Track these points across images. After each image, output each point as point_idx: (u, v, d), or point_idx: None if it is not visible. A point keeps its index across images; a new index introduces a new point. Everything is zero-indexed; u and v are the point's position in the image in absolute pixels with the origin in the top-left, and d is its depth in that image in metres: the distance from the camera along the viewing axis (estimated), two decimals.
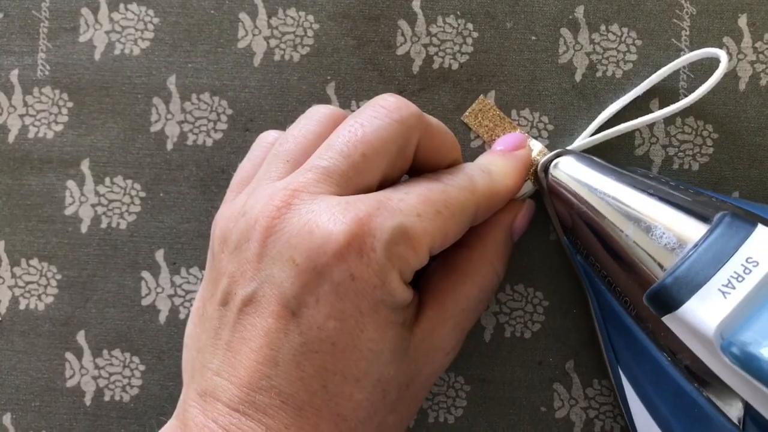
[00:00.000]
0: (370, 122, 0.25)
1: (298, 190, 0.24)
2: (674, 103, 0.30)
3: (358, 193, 0.25)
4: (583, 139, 0.31)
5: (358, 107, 0.32)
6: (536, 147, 0.30)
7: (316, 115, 0.27)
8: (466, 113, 0.32)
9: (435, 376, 0.27)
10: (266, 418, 0.23)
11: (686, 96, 0.30)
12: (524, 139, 0.30)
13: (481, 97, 0.31)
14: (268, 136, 0.29)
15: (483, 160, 0.29)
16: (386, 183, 0.26)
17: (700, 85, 0.30)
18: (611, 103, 0.32)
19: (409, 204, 0.24)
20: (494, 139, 0.31)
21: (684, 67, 0.31)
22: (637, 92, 0.31)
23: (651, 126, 0.31)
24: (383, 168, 0.25)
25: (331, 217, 0.23)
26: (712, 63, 0.32)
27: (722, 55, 0.29)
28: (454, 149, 0.28)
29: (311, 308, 0.23)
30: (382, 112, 0.25)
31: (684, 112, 0.31)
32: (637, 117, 0.32)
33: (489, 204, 0.27)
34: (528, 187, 0.30)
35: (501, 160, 0.29)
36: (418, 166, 0.27)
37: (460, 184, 0.26)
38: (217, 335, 0.25)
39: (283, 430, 0.23)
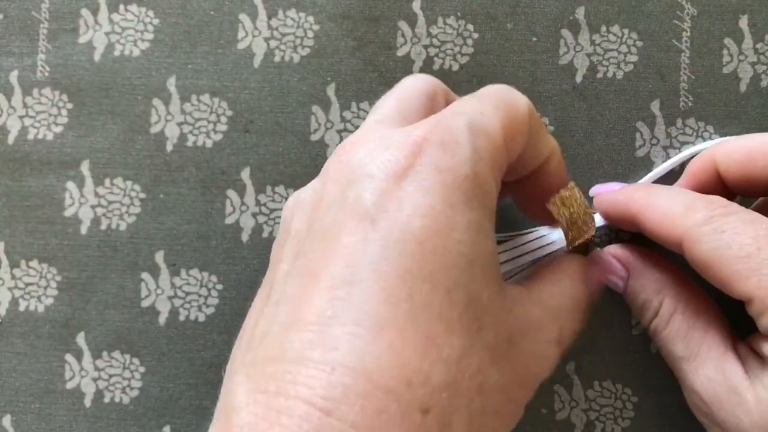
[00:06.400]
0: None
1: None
2: (675, 104, 0.30)
3: None
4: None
5: (359, 108, 0.32)
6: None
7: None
8: (554, 200, 0.27)
9: (538, 363, 0.23)
10: (331, 353, 0.19)
11: (687, 97, 0.30)
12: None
13: (572, 183, 0.27)
14: None
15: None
16: None
17: (702, 87, 0.30)
18: (612, 104, 0.31)
19: (469, 104, 0.23)
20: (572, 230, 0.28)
21: (685, 68, 0.31)
22: (662, 170, 0.31)
23: (652, 127, 0.31)
24: None
25: (403, 131, 0.22)
26: (714, 65, 0.31)
27: None
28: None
29: (393, 211, 0.20)
30: None
31: (685, 113, 0.31)
32: (638, 120, 0.32)
33: (539, 121, 0.25)
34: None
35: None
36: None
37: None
38: (270, 293, 0.22)
39: (356, 363, 0.19)
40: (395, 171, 0.21)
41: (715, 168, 0.28)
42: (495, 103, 0.24)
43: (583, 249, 0.29)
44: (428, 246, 0.20)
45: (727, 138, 0.29)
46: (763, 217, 0.24)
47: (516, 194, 0.29)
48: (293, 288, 0.21)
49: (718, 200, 0.25)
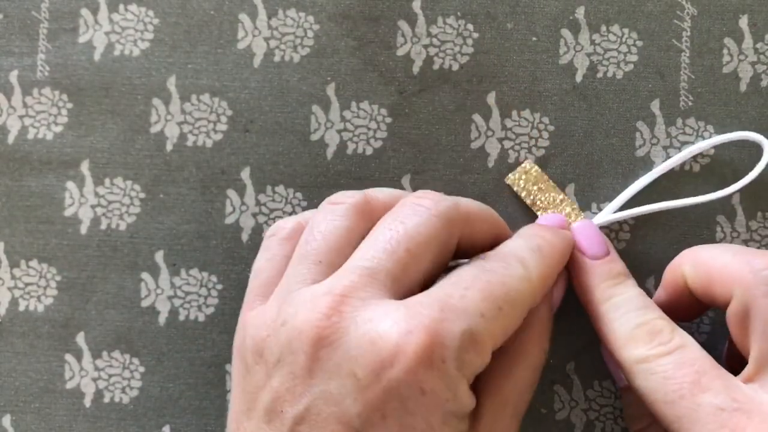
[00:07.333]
0: (410, 219, 0.24)
1: (345, 296, 0.23)
2: (675, 104, 0.30)
3: (406, 293, 0.24)
4: (609, 214, 0.30)
5: (359, 108, 0.32)
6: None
7: (340, 209, 0.26)
8: (510, 176, 0.31)
9: None
10: None
11: (687, 97, 0.30)
12: (565, 222, 0.29)
13: (527, 162, 0.31)
14: (281, 231, 0.27)
15: (529, 235, 0.27)
16: (430, 278, 0.25)
17: (702, 86, 0.30)
18: (612, 104, 0.31)
19: (472, 302, 0.23)
20: (536, 204, 0.31)
21: (685, 68, 0.31)
22: (662, 170, 0.31)
23: (652, 127, 0.31)
24: (428, 264, 0.24)
25: (394, 326, 0.22)
26: (714, 65, 0.31)
27: (764, 142, 0.30)
28: (496, 228, 0.27)
29: (377, 426, 0.22)
30: (420, 210, 0.25)
31: (685, 113, 0.31)
32: (638, 120, 0.32)
33: (545, 289, 0.26)
34: None
35: (550, 235, 0.27)
36: (462, 251, 0.26)
37: (517, 274, 0.25)
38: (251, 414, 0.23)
39: None
40: (382, 380, 0.22)
41: (684, 278, 0.27)
42: (504, 299, 0.24)
43: (573, 217, 0.30)
44: None
45: (697, 248, 0.28)
46: (700, 356, 0.25)
47: None
48: None
49: (662, 334, 0.25)
